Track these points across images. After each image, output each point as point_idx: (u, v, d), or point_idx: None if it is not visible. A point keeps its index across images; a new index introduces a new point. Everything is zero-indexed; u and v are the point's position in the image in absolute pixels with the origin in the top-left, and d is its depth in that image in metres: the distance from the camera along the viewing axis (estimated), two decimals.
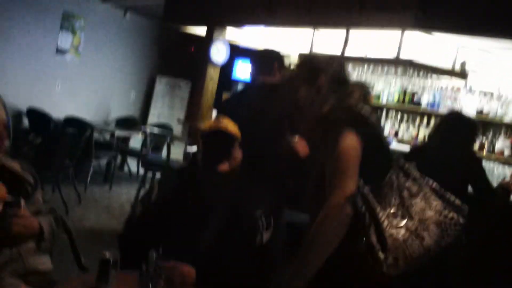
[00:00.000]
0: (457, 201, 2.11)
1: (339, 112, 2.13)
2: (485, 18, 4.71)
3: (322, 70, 2.19)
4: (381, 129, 2.27)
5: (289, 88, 2.30)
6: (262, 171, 3.13)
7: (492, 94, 5.80)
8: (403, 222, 2.03)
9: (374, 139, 2.14)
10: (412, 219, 2.03)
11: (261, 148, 3.21)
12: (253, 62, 3.97)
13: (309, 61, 2.33)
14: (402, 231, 2.00)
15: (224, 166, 2.62)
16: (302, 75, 2.24)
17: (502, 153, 5.55)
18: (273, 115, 3.26)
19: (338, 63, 2.30)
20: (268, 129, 3.37)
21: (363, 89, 2.24)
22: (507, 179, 4.41)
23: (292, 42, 7.00)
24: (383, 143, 2.23)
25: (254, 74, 3.93)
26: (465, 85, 6.01)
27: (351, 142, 2.04)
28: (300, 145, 3.29)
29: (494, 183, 4.43)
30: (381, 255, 1.96)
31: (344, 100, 2.16)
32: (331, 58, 2.33)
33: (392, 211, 2.04)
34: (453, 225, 2.06)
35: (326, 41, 6.17)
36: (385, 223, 2.01)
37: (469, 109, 5.80)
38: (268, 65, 3.81)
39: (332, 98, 2.16)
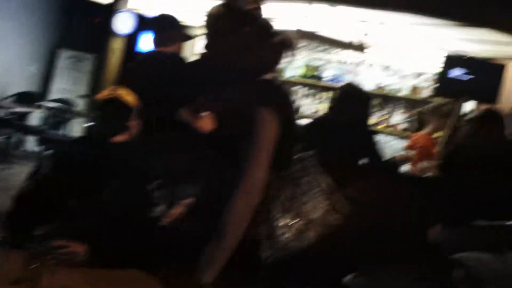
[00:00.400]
0: (342, 203, 2.12)
1: (259, 84, 2.07)
2: None
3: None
4: (294, 108, 2.20)
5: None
6: (162, 143, 3.06)
7: (390, 68, 6.00)
8: (291, 222, 2.03)
9: (288, 120, 2.08)
10: (300, 219, 2.04)
11: (160, 120, 3.14)
12: (152, 29, 3.81)
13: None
14: (288, 232, 2.01)
15: (119, 137, 2.58)
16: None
17: (396, 126, 5.76)
18: (172, 86, 3.22)
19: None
20: (167, 99, 3.30)
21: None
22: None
23: (197, 11, 6.86)
24: (294, 125, 2.18)
25: (154, 43, 3.76)
26: (365, 60, 6.15)
27: (269, 124, 1.99)
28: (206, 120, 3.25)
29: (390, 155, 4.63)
30: (263, 254, 1.98)
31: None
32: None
33: (284, 206, 2.03)
34: (335, 224, 2.08)
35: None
36: (276, 218, 2.01)
37: (369, 83, 5.97)
38: (168, 32, 3.68)
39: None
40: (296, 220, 2.03)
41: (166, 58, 3.58)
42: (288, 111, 2.11)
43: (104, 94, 2.68)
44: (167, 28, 3.70)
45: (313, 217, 2.05)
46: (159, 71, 3.41)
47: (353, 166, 3.88)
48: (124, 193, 2.45)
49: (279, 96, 2.11)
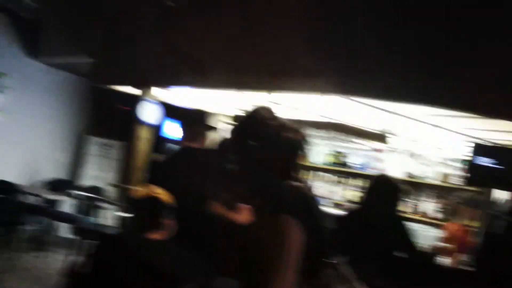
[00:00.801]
0: None
1: (285, 190, 2.08)
2: (398, 83, 4.88)
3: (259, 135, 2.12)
4: (320, 215, 2.22)
5: (222, 155, 2.27)
6: (194, 240, 3.10)
7: (416, 155, 6.04)
8: None
9: (314, 226, 2.09)
10: None
11: (190, 217, 3.20)
12: (180, 124, 4.03)
13: (243, 128, 2.21)
14: None
15: (155, 235, 2.62)
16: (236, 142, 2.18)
17: (425, 213, 5.74)
18: (201, 181, 3.30)
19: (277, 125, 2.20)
20: (197, 196, 3.38)
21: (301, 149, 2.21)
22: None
23: (221, 101, 7.08)
24: (321, 230, 2.19)
25: (182, 136, 3.97)
26: (391, 147, 6.20)
27: (296, 235, 1.98)
28: (241, 212, 3.31)
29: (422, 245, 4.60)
30: None
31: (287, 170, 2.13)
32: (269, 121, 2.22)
33: None
34: None
35: (253, 101, 6.28)
36: None
37: (396, 170, 6.01)
38: (195, 126, 3.88)
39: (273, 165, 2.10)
40: None
41: (196, 154, 3.72)
42: (313, 218, 2.13)
43: (141, 191, 2.75)
44: (196, 122, 3.91)
45: None
46: (191, 168, 3.52)
47: (391, 258, 3.88)
48: None
49: (304, 204, 2.12)
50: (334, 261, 2.20)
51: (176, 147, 4.28)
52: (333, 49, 5.14)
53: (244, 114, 2.25)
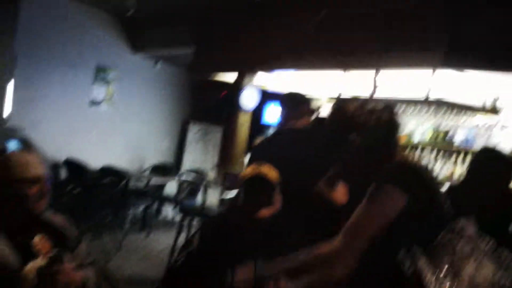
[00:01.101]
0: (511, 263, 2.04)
1: (387, 166, 2.06)
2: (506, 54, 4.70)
3: (365, 117, 2.11)
4: (435, 184, 2.13)
5: (331, 135, 2.21)
6: (298, 217, 3.11)
7: None
8: (453, 286, 1.96)
9: (425, 196, 2.03)
10: (462, 282, 1.96)
11: (296, 194, 3.20)
12: (281, 106, 3.99)
13: (349, 108, 2.18)
14: None
15: (265, 212, 2.65)
16: (343, 123, 2.15)
17: None
18: (306, 160, 3.28)
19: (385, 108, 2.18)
20: (302, 174, 3.37)
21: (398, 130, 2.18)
22: None
23: (321, 85, 7.06)
24: (437, 200, 2.10)
25: (282, 118, 3.94)
26: (499, 122, 5.95)
27: (393, 202, 1.97)
28: (340, 192, 3.29)
29: None
30: None
31: (394, 151, 2.11)
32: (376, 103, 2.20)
33: (442, 274, 1.96)
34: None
35: (355, 83, 6.23)
36: (433, 286, 1.94)
37: (504, 146, 5.73)
38: (296, 109, 3.83)
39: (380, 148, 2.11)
40: (458, 284, 1.96)
41: (299, 133, 3.69)
42: (425, 191, 2.04)
43: (248, 171, 2.77)
44: (297, 104, 3.86)
45: (478, 280, 1.97)
46: (295, 146, 3.51)
47: (502, 234, 3.70)
48: None
49: (411, 176, 2.05)
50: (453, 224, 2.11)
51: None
52: (437, 22, 5.00)
53: (332, 109, 2.24)
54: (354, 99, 2.20)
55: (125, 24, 8.91)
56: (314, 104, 4.09)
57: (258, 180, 2.69)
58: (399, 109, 6.11)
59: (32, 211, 2.22)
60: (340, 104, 2.20)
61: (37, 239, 2.17)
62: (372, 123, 2.08)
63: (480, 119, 6.04)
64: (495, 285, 1.97)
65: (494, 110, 5.79)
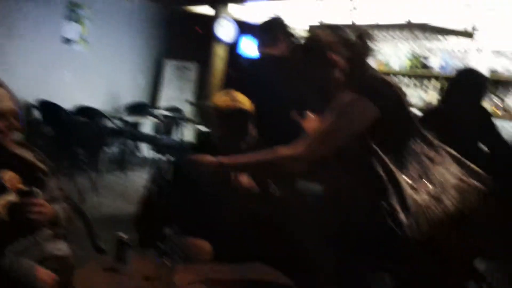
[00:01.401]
0: (479, 171, 2.13)
1: (359, 80, 2.14)
2: None
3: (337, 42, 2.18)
4: (402, 94, 2.19)
5: (302, 63, 2.29)
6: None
7: (502, 52, 5.73)
8: (424, 187, 2.04)
9: (394, 106, 2.11)
10: (433, 184, 2.05)
11: (277, 122, 3.15)
12: (257, 34, 3.89)
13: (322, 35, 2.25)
14: (423, 195, 2.01)
15: (244, 143, 2.65)
16: (316, 50, 2.21)
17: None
18: (284, 88, 3.24)
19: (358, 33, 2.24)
20: (280, 103, 3.32)
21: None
22: None
23: (298, 14, 6.94)
24: (404, 109, 2.18)
25: (259, 47, 3.84)
26: (475, 45, 5.94)
27: (361, 113, 2.05)
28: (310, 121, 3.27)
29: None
30: (403, 217, 1.97)
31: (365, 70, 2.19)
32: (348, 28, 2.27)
33: (412, 176, 2.05)
34: (474, 192, 2.07)
35: (334, 11, 6.17)
36: (405, 187, 2.01)
37: (481, 69, 5.74)
38: (272, 36, 3.72)
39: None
40: (430, 185, 2.05)
41: (276, 61, 3.59)
42: (393, 102, 2.11)
43: (224, 103, 2.68)
44: (272, 30, 3.74)
45: (447, 182, 2.06)
46: (271, 74, 3.43)
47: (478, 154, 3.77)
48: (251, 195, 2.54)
49: (381, 89, 2.12)
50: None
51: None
52: None
53: (307, 37, 2.34)
54: (329, 27, 2.28)
55: None
56: (291, 30, 3.97)
57: (237, 112, 2.65)
58: (374, 35, 6.04)
59: (1, 145, 2.20)
60: (316, 32, 2.26)
61: (6, 174, 2.15)
62: (347, 47, 2.16)
63: (456, 43, 6.03)
64: (463, 187, 2.07)
65: (467, 33, 5.75)
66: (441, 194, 2.03)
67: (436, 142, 2.16)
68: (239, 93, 2.74)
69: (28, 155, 2.33)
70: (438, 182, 2.06)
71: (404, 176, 2.04)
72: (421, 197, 2.00)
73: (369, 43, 2.21)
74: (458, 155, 2.17)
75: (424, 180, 2.06)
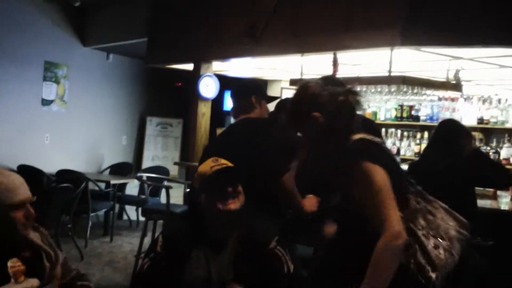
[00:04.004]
0: (463, 219, 2.44)
1: (358, 145, 2.36)
2: (471, 28, 4.89)
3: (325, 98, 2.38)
4: (392, 154, 2.48)
5: (288, 123, 2.54)
6: (266, 206, 3.13)
7: (490, 101, 5.99)
8: (437, 242, 2.30)
9: (391, 167, 2.34)
10: (443, 238, 2.32)
11: (261, 183, 3.33)
12: (231, 99, 3.98)
13: (305, 93, 2.47)
14: (441, 251, 2.28)
15: (235, 205, 2.67)
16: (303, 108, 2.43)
17: (508, 160, 5.73)
18: (264, 151, 3.42)
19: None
20: (264, 167, 3.41)
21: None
22: None
23: (281, 67, 7.23)
24: (398, 169, 2.44)
25: (233, 111, 3.93)
26: (462, 95, 6.17)
27: (381, 175, 2.27)
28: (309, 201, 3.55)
29: None
30: (432, 274, 2.23)
31: (355, 128, 2.42)
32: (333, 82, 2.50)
33: (424, 233, 2.31)
34: (466, 241, 2.39)
35: (316, 64, 6.41)
36: (427, 244, 2.28)
37: (469, 119, 5.98)
38: (246, 101, 3.79)
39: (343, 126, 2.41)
40: (442, 240, 2.32)
41: (254, 126, 3.70)
42: (390, 164, 2.35)
43: (210, 166, 2.73)
44: (246, 95, 3.82)
45: (451, 235, 2.34)
46: (250, 140, 3.53)
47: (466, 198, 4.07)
48: (259, 255, 2.64)
49: (379, 152, 2.38)
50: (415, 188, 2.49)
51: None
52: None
53: (296, 91, 2.53)
54: (316, 80, 2.48)
55: (73, 16, 8.93)
56: (268, 90, 4.11)
57: (223, 172, 2.68)
58: (361, 88, 6.29)
59: (19, 233, 2.30)
60: (304, 86, 2.49)
61: (13, 264, 2.23)
62: (333, 104, 2.38)
63: (444, 93, 6.28)
64: (461, 238, 2.37)
65: (456, 86, 5.99)
66: (452, 248, 2.30)
67: (429, 196, 2.44)
68: (223, 158, 2.81)
69: (37, 239, 2.41)
70: (445, 235, 2.33)
71: (420, 233, 2.29)
72: (439, 252, 2.27)
73: (357, 97, 2.43)
74: (448, 208, 2.45)
75: (433, 234, 2.32)
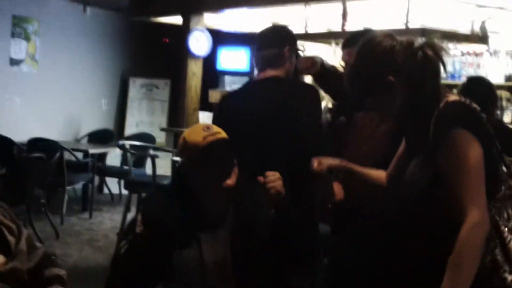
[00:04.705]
0: None
1: (453, 109, 2.12)
2: None
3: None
4: (491, 129, 2.21)
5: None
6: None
7: None
8: None
9: (489, 143, 2.15)
10: None
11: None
12: (257, 48, 3.42)
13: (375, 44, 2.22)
14: None
15: (232, 180, 2.56)
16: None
17: None
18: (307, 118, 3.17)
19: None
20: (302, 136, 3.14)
21: None
22: None
23: (283, 21, 6.94)
24: (496, 147, 2.22)
25: (259, 63, 3.40)
26: (488, 49, 6.00)
27: (477, 151, 2.07)
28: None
29: None
30: (509, 276, 2.05)
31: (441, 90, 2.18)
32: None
33: (510, 226, 2.13)
34: None
35: (322, 16, 6.27)
36: (508, 239, 2.10)
37: (496, 76, 5.82)
38: (279, 52, 3.28)
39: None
40: None
41: (287, 86, 3.33)
42: (488, 139, 2.15)
43: (202, 136, 2.57)
44: (280, 44, 3.31)
45: None
46: (299, 109, 3.19)
47: None
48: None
49: (478, 121, 2.16)
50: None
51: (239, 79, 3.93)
52: None
53: (361, 47, 2.28)
54: (384, 34, 2.24)
55: None
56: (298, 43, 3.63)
57: (220, 146, 2.55)
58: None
59: None
60: (372, 39, 2.25)
61: None
62: (413, 63, 2.14)
63: (467, 47, 6.09)
64: None
65: (481, 38, 5.85)
66: None
67: None
68: (214, 125, 2.67)
69: None
70: None
71: (504, 226, 2.11)
72: None
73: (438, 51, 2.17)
74: None
75: None
